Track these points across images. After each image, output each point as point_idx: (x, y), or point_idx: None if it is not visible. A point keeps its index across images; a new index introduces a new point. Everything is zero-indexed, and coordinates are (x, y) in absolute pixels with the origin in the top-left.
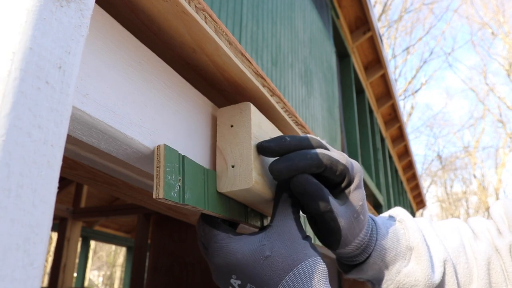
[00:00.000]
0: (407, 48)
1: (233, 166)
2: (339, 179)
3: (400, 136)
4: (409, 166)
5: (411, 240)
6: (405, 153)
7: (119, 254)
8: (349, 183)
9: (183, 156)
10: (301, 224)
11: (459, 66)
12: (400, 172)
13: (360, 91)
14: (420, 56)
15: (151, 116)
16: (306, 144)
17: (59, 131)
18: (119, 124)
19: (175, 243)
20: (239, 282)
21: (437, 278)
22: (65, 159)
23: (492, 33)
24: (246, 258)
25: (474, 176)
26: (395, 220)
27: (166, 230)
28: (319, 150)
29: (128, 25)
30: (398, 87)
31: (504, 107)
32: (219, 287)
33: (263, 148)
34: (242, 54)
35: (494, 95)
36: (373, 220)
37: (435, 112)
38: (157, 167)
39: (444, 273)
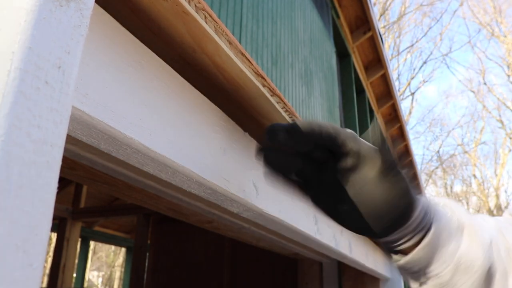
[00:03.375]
0: (406, 49)
1: None
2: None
3: (401, 136)
4: (410, 166)
5: (461, 220)
6: (406, 153)
7: (119, 254)
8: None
9: None
10: None
11: (458, 67)
12: None
13: (361, 91)
14: (418, 57)
15: (151, 116)
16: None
17: (58, 131)
18: (119, 124)
19: (175, 243)
20: None
21: (493, 257)
22: (65, 159)
23: (492, 34)
24: None
25: (474, 176)
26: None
27: (166, 230)
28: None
29: (128, 25)
30: (397, 88)
31: (503, 107)
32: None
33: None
34: (242, 54)
35: (493, 95)
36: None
37: (434, 113)
38: None
39: (492, 254)
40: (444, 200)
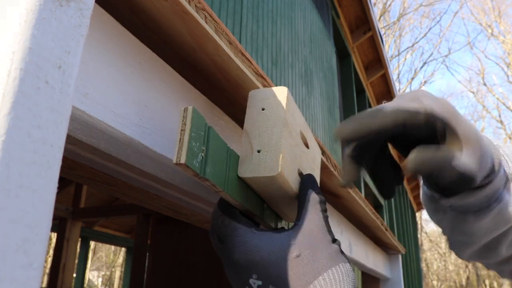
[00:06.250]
0: (406, 49)
1: (258, 151)
2: (428, 131)
3: None
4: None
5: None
6: None
7: (119, 254)
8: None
9: (209, 127)
10: (330, 226)
11: (457, 68)
12: None
13: (361, 91)
14: (419, 58)
15: (151, 116)
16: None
17: (58, 131)
18: (119, 124)
19: (175, 243)
20: (259, 282)
21: None
22: (65, 159)
23: (492, 34)
24: (273, 256)
25: None
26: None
27: (166, 230)
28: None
29: (128, 25)
30: (397, 88)
31: (503, 108)
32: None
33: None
34: (242, 54)
35: (493, 96)
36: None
37: None
38: (181, 130)
39: None
40: (503, 146)
